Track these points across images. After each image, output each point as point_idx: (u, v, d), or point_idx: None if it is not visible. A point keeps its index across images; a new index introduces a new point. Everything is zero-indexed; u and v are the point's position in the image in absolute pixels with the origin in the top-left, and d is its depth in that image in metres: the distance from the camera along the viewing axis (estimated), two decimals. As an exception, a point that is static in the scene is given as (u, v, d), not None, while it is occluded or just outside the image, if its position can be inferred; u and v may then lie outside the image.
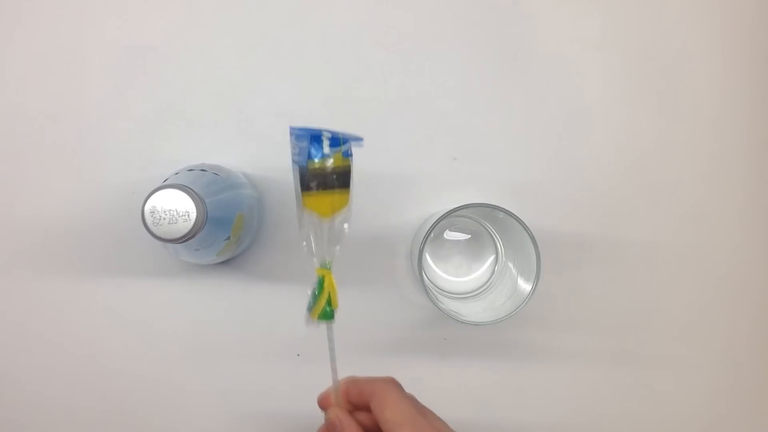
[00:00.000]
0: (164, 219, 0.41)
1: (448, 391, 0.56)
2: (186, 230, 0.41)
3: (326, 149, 0.38)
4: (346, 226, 0.38)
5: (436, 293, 0.54)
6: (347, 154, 0.38)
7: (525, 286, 0.49)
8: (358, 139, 0.38)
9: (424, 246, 0.49)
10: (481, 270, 0.56)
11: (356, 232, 0.56)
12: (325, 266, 0.38)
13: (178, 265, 0.55)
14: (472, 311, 0.52)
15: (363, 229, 0.56)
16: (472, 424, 0.56)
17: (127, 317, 0.55)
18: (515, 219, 0.48)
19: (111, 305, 0.55)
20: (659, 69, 0.57)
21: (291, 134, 0.37)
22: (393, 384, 0.40)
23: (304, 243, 0.38)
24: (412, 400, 0.39)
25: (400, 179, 0.56)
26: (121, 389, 0.55)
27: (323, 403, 0.41)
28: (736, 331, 0.58)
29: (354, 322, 0.55)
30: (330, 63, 0.56)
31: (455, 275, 0.56)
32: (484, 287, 0.56)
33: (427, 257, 0.56)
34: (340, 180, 0.37)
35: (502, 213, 0.48)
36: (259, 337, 0.55)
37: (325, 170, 0.37)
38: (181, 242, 0.42)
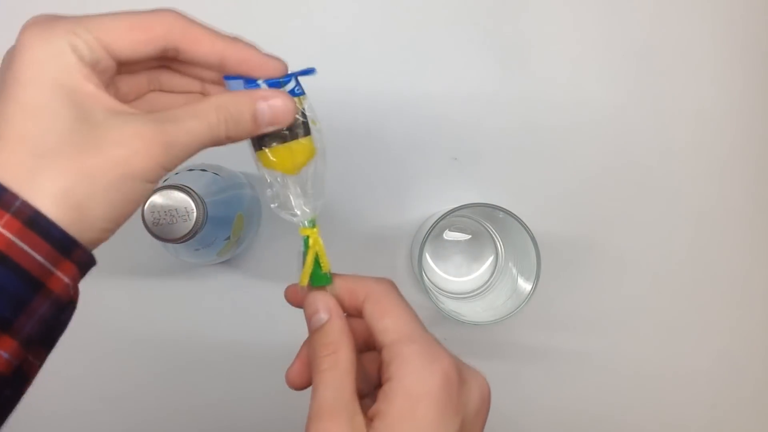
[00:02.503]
0: (164, 219, 0.41)
1: (448, 391, 0.56)
2: (186, 230, 0.41)
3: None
4: (325, 176, 0.33)
5: (436, 293, 0.54)
6: (296, 93, 0.31)
7: (525, 286, 0.49)
8: (308, 72, 0.32)
9: (424, 246, 0.49)
10: (481, 270, 0.56)
11: (356, 232, 0.56)
12: (306, 225, 0.33)
13: (178, 265, 0.55)
14: (472, 311, 0.52)
15: (363, 229, 0.56)
16: (472, 424, 0.56)
17: (126, 317, 0.55)
18: (515, 219, 0.48)
19: (111, 305, 0.55)
20: (659, 69, 0.57)
21: (226, 86, 0.31)
22: (393, 287, 0.33)
23: (274, 204, 0.33)
24: (412, 310, 0.32)
25: (400, 179, 0.56)
26: (121, 389, 0.55)
27: (293, 297, 0.35)
28: (736, 331, 0.58)
29: (354, 322, 0.55)
30: (330, 63, 0.56)
31: (455, 275, 0.56)
32: (484, 287, 0.56)
33: (427, 257, 0.56)
34: (295, 128, 0.31)
35: (502, 213, 0.48)
36: (259, 337, 0.55)
37: None
38: (181, 242, 0.42)
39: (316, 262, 0.33)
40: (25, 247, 0.25)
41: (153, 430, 0.56)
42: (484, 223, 0.56)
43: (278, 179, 0.33)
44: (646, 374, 0.57)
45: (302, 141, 0.32)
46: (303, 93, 0.32)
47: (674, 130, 0.57)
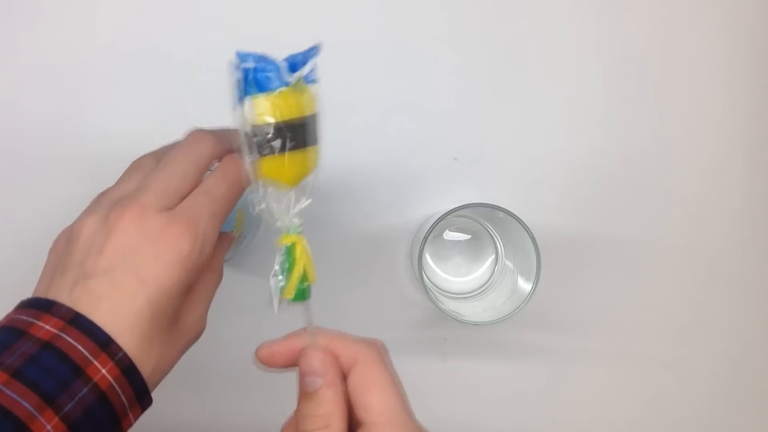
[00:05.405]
0: (164, 219, 0.41)
1: (448, 391, 0.56)
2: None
3: (285, 78, 0.26)
4: (311, 177, 0.28)
5: (436, 293, 0.54)
6: (309, 79, 0.25)
7: (525, 286, 0.49)
8: (311, 54, 0.24)
9: (424, 246, 0.49)
10: (481, 270, 0.56)
11: (356, 232, 0.56)
12: (291, 231, 0.29)
13: (178, 265, 0.55)
14: (472, 311, 0.52)
15: (363, 229, 0.56)
16: (472, 424, 0.56)
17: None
18: (515, 219, 0.48)
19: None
20: (659, 69, 0.57)
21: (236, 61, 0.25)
22: (381, 356, 0.30)
23: (262, 205, 0.28)
24: (399, 386, 0.30)
25: (400, 179, 0.56)
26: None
27: (270, 359, 0.32)
28: (736, 331, 0.58)
29: (354, 322, 0.55)
30: (330, 63, 0.56)
31: (455, 275, 0.56)
32: (484, 287, 0.56)
33: (427, 257, 0.56)
34: (303, 132, 0.26)
35: (502, 213, 0.48)
36: (260, 337, 0.55)
37: (288, 119, 0.26)
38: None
39: (302, 275, 0.30)
40: (71, 340, 0.29)
41: (150, 429, 0.56)
42: (484, 223, 0.56)
43: (271, 190, 0.28)
44: (647, 374, 0.57)
45: (310, 150, 0.27)
46: (315, 80, 0.26)
47: (675, 129, 0.57)
